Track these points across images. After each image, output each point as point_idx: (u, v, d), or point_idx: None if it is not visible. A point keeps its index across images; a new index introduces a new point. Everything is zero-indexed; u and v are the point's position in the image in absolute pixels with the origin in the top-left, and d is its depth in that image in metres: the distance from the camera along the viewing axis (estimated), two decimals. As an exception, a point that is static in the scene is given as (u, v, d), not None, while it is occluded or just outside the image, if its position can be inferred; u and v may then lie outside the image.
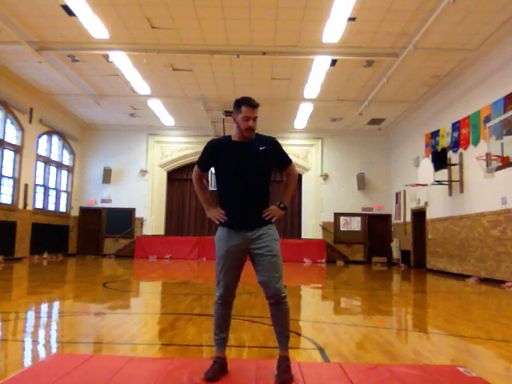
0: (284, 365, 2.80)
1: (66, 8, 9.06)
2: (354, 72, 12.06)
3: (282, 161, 3.09)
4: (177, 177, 19.04)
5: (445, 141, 12.96)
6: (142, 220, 18.07)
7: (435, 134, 13.63)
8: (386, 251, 17.48)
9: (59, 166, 17.07)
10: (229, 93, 13.93)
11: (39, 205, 15.61)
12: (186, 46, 10.69)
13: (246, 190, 2.90)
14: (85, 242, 18.08)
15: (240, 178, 2.91)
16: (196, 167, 3.13)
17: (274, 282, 2.84)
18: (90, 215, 18.11)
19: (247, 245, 2.89)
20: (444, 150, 12.85)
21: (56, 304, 6.20)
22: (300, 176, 18.39)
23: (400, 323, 5.55)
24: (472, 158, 10.93)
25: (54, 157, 16.66)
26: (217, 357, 2.88)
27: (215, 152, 3.00)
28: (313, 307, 6.66)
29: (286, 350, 2.88)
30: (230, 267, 2.91)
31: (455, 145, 12.27)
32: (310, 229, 17.98)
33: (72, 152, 17.83)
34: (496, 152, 9.21)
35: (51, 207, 16.50)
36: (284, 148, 3.14)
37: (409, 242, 15.81)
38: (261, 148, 2.96)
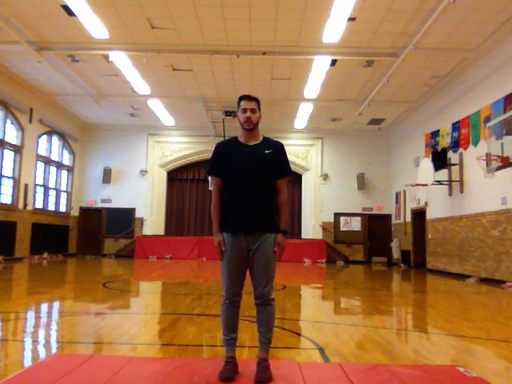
0: (262, 365, 2.80)
1: (66, 8, 9.07)
2: (353, 72, 12.06)
3: (281, 167, 2.99)
4: (177, 177, 18.96)
5: (445, 141, 12.95)
6: (142, 220, 18.06)
7: (435, 134, 13.63)
8: (385, 251, 17.48)
9: (59, 166, 17.06)
10: (229, 93, 13.93)
11: (39, 205, 15.61)
12: (186, 46, 10.69)
13: (249, 192, 2.89)
14: (85, 242, 18.08)
15: (243, 179, 2.91)
16: (211, 178, 3.05)
17: (262, 284, 2.89)
18: (90, 215, 18.11)
19: (249, 245, 2.90)
20: (444, 150, 12.85)
21: (56, 304, 6.20)
22: (300, 176, 18.43)
23: (400, 323, 5.55)
24: (472, 158, 10.93)
25: (54, 157, 16.66)
26: (228, 357, 2.88)
27: (224, 152, 3.00)
28: (313, 307, 6.66)
29: (266, 353, 2.88)
30: (235, 268, 2.91)
31: (455, 145, 12.27)
32: (310, 229, 17.98)
33: (72, 152, 17.83)
34: (496, 152, 9.21)
35: (51, 207, 16.50)
36: (284, 148, 3.10)
37: (409, 242, 15.81)
38: (266, 151, 2.96)
